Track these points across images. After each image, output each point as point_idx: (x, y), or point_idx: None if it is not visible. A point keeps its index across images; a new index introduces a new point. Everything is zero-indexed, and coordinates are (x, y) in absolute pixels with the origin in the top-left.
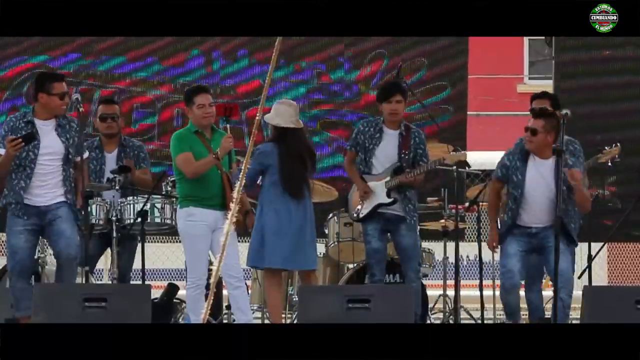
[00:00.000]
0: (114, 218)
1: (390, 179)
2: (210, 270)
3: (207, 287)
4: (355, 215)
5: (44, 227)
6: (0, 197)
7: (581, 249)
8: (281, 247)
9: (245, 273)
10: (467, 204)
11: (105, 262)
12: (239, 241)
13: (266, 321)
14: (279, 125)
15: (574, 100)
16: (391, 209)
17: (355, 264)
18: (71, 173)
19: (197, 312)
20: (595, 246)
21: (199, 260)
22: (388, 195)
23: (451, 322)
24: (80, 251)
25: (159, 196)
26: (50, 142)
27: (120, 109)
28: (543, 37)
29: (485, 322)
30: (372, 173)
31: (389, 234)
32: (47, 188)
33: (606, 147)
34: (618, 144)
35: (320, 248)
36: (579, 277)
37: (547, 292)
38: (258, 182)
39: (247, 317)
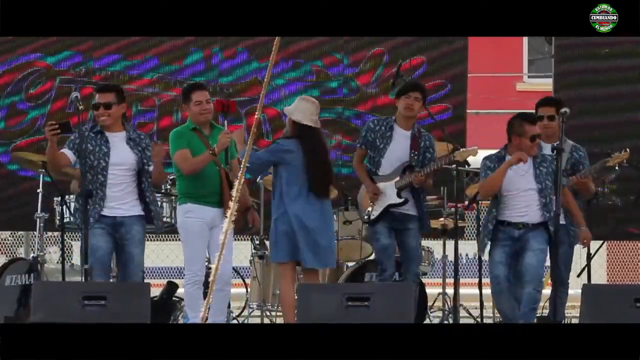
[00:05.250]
0: None
1: (400, 179)
2: (209, 268)
3: (206, 285)
4: (366, 217)
5: (117, 241)
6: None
7: (580, 246)
8: (314, 246)
9: (245, 271)
10: (466, 202)
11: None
12: (237, 239)
13: (266, 320)
14: (300, 121)
15: (573, 97)
16: (401, 207)
17: (354, 262)
18: (149, 185)
19: (195, 308)
20: (595, 244)
21: (196, 256)
22: (398, 196)
23: (450, 320)
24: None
25: (158, 194)
26: (121, 153)
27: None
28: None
29: (485, 320)
30: (380, 173)
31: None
32: (119, 200)
33: (616, 152)
34: (627, 150)
35: None
36: (578, 276)
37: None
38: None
39: (220, 318)
